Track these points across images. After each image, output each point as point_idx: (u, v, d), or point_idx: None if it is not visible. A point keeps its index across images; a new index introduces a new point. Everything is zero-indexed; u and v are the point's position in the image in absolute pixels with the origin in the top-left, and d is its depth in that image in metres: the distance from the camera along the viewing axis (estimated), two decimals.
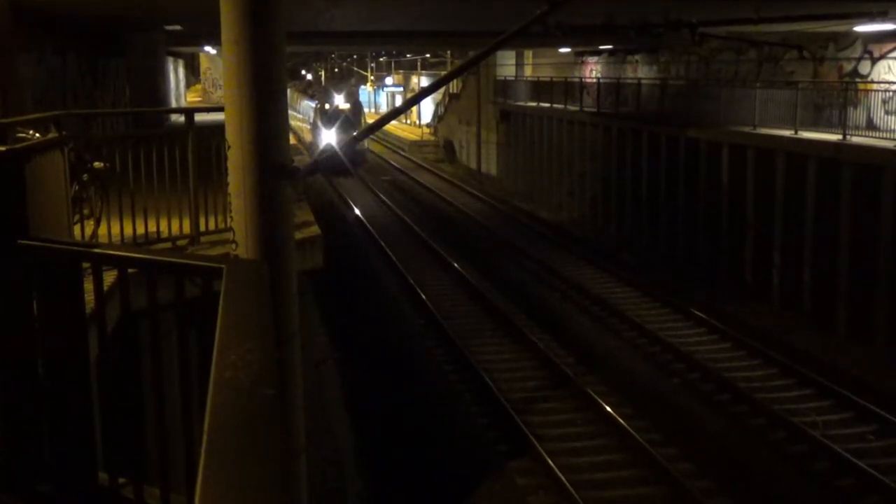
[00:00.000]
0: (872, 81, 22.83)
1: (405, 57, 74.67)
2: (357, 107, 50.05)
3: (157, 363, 3.75)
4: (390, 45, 49.34)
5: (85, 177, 8.39)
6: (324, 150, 45.30)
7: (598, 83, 34.42)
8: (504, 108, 42.29)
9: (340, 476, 12.38)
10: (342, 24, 24.31)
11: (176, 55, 37.69)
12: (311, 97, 57.85)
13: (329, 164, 42.78)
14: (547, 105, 36.70)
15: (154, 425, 3.80)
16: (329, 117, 47.15)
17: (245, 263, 4.76)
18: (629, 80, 33.39)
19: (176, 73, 38.11)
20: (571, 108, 34.42)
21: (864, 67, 23.46)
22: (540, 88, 38.74)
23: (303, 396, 5.96)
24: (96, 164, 8.68)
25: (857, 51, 23.70)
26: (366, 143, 50.17)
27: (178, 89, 39.30)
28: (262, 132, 5.23)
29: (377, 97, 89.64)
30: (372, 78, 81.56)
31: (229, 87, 5.26)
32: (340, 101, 49.92)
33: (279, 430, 1.73)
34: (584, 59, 38.88)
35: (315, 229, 10.24)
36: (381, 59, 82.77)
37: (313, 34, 27.83)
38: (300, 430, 5.78)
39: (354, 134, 52.42)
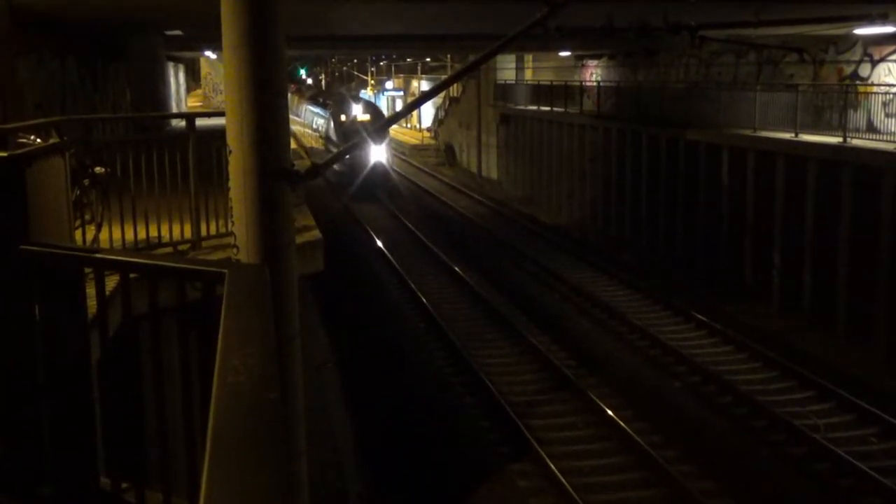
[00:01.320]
0: (872, 84, 22.84)
1: (405, 61, 74.69)
2: (379, 119, 44.64)
3: (159, 367, 3.76)
4: (390, 48, 48.84)
5: (86, 181, 8.41)
6: (342, 171, 40.68)
7: (598, 86, 34.45)
8: (504, 111, 42.32)
9: (341, 478, 12.37)
10: (342, 28, 24.33)
11: (176, 60, 37.73)
12: (322, 105, 51.72)
13: (348, 185, 39.20)
14: (547, 108, 36.73)
15: (156, 429, 3.81)
16: (346, 132, 41.79)
17: (247, 268, 4.76)
18: (629, 83, 33.41)
19: (176, 78, 38.15)
20: (571, 110, 34.45)
21: (864, 70, 23.47)
22: (540, 92, 38.77)
23: (303, 398, 5.96)
24: (97, 168, 8.69)
25: (857, 53, 23.71)
26: (389, 165, 43.43)
27: (179, 94, 39.33)
28: (263, 136, 5.24)
29: (377, 101, 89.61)
30: (372, 82, 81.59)
31: (230, 92, 5.27)
32: (359, 111, 44.99)
33: (282, 434, 1.74)
34: (584, 62, 38.91)
35: (316, 233, 10.24)
36: (382, 63, 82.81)
37: (313, 38, 27.85)
38: (301, 432, 5.79)
39: (379, 151, 40.80)
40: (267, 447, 1.67)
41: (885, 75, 22.75)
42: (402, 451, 14.39)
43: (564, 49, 35.97)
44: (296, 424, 5.66)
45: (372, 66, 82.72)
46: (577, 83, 36.27)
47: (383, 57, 74.20)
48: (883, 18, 17.12)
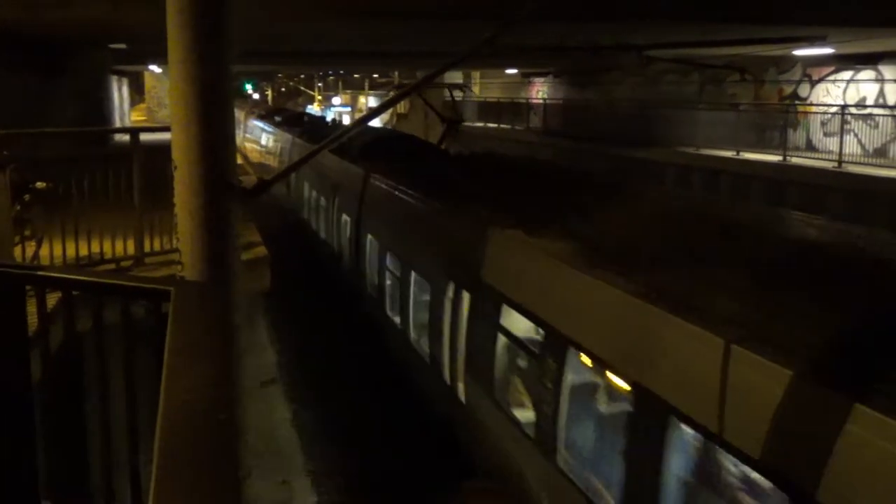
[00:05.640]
0: (812, 104, 23.33)
1: (353, 76, 74.68)
2: None
3: (103, 386, 3.69)
4: (338, 64, 48.61)
5: (27, 197, 8.24)
6: None
7: (545, 104, 34.71)
8: None
9: (290, 498, 12.23)
10: (290, 44, 24.24)
11: (120, 74, 37.24)
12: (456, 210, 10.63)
13: None
14: (494, 125, 36.90)
15: (99, 450, 3.73)
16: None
17: (194, 286, 4.70)
18: (575, 101, 33.71)
19: (120, 92, 37.63)
20: (518, 127, 34.66)
21: (804, 90, 23.96)
22: (488, 109, 38.95)
23: (249, 417, 5.89)
24: (39, 184, 8.52)
25: (797, 74, 24.20)
26: None
27: (123, 108, 38.78)
28: (209, 152, 5.17)
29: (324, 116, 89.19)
30: (319, 97, 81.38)
31: (175, 106, 5.19)
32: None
33: (233, 455, 1.71)
34: (530, 79, 39.20)
35: (262, 250, 10.16)
36: (329, 79, 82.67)
37: (261, 53, 27.68)
38: (244, 452, 5.72)
39: None
40: (218, 468, 1.63)
41: (824, 95, 23.25)
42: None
43: (514, 67, 36.22)
44: (240, 444, 5.59)
45: (319, 82, 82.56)
46: (524, 100, 36.50)
47: (330, 73, 74.13)
48: (822, 40, 17.49)
